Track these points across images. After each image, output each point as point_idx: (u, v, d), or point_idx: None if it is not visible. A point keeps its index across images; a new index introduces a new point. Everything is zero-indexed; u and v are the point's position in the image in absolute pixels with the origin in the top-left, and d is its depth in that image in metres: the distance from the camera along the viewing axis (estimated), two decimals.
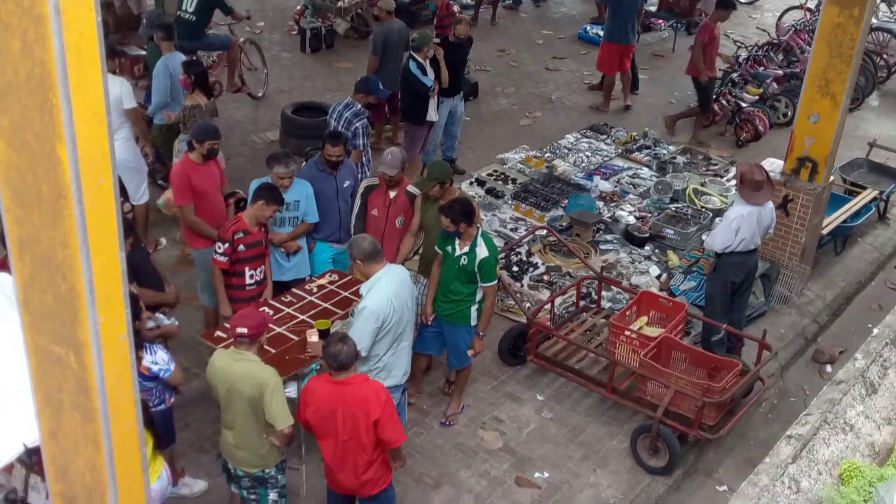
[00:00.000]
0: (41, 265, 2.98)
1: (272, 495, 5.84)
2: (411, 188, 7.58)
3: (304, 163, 9.01)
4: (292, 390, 6.22)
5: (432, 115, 10.23)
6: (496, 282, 6.98)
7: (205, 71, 9.21)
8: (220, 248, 6.80)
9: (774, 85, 13.07)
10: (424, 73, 9.99)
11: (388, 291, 6.08)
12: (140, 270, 6.42)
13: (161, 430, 5.77)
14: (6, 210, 2.96)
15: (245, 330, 5.45)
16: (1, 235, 5.87)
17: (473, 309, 6.98)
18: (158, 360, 5.74)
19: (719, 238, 7.75)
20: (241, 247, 6.81)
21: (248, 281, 6.97)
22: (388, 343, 6.18)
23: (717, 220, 9.80)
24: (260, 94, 12.65)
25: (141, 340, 5.69)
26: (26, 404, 3.53)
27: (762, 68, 13.28)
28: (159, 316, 6.41)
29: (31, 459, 5.18)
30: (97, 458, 3.23)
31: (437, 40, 10.58)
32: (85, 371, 3.06)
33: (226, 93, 11.98)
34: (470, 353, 7.09)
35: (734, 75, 12.98)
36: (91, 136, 2.76)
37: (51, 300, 3.01)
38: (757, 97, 12.64)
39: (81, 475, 3.35)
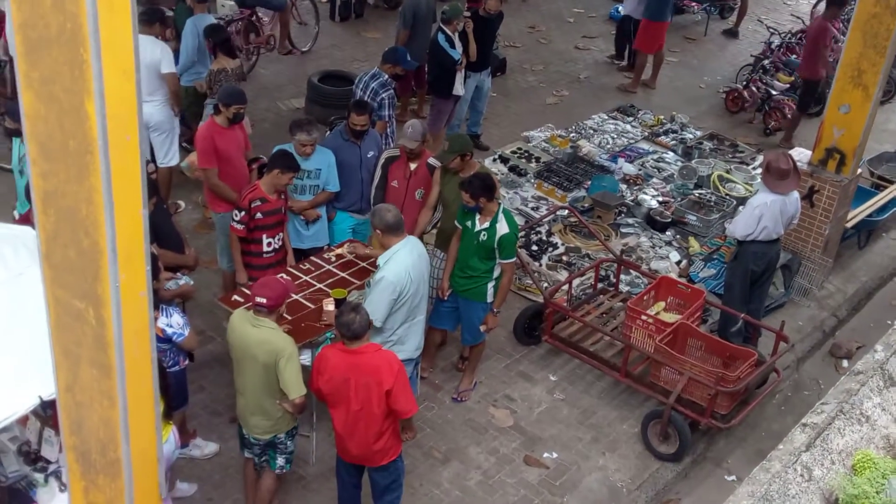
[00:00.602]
0: (65, 220, 2.99)
1: (280, 460, 5.89)
2: (432, 161, 7.55)
3: (328, 131, 8.99)
4: (307, 358, 6.24)
5: (458, 88, 10.19)
6: (515, 259, 6.96)
7: (228, 36, 9.22)
8: (236, 215, 6.81)
9: None
10: (452, 46, 9.94)
11: (407, 263, 6.09)
12: (161, 231, 6.44)
13: (174, 391, 5.80)
14: (33, 163, 2.97)
15: (264, 300, 5.45)
16: (26, 190, 5.93)
17: (490, 285, 6.96)
18: (173, 323, 5.76)
19: (741, 225, 7.70)
20: (259, 214, 6.81)
21: (265, 248, 6.97)
22: (403, 315, 6.18)
23: (740, 208, 9.72)
24: (305, 49, 12.96)
25: (158, 301, 5.71)
26: (44, 358, 3.56)
27: (794, 56, 13.12)
28: (179, 276, 6.44)
29: (46, 413, 5.22)
30: (112, 414, 3.26)
31: (468, 14, 10.51)
32: (103, 327, 3.07)
33: (269, 54, 12.41)
34: (483, 328, 7.08)
35: (766, 62, 12.84)
36: (119, 92, 2.76)
37: (73, 255, 3.02)
38: (787, 85, 12.49)
39: (95, 430, 3.38)
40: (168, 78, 8.60)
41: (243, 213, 6.77)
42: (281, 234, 7.09)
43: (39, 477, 5.23)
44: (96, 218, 2.90)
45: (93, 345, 3.16)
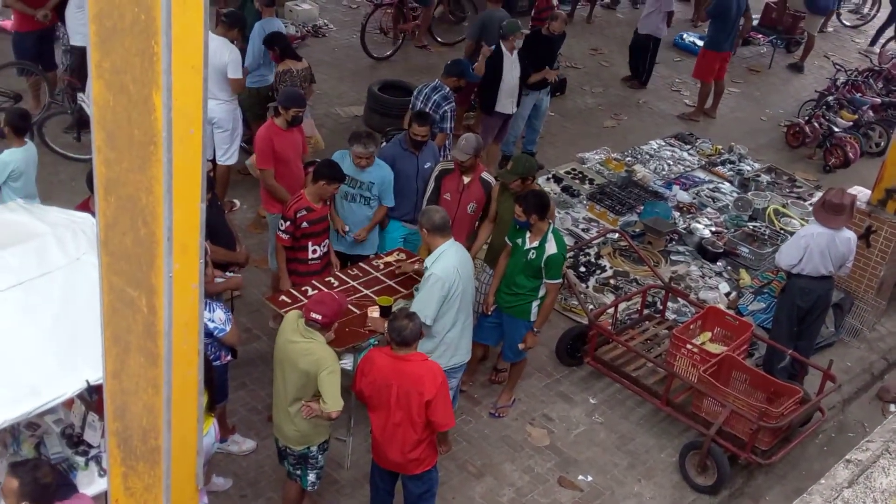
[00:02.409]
0: (124, 208, 3.04)
1: (311, 476, 5.88)
2: (486, 176, 7.57)
3: (383, 141, 9.05)
4: (348, 362, 6.27)
5: (506, 107, 10.08)
6: (560, 280, 6.94)
7: (289, 43, 9.35)
8: (282, 224, 6.87)
9: (870, 113, 12.73)
10: (499, 65, 9.83)
11: (454, 261, 6.19)
12: (214, 228, 6.53)
13: (215, 385, 5.87)
14: (97, 150, 3.03)
15: (319, 317, 5.47)
16: (88, 177, 6.06)
17: (535, 304, 6.95)
18: (216, 318, 5.82)
19: (785, 253, 7.61)
20: (305, 224, 6.86)
21: (310, 255, 7.01)
22: (452, 317, 6.23)
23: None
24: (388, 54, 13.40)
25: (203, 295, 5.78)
26: (94, 342, 3.62)
27: (859, 94, 12.93)
28: (229, 274, 6.51)
29: (92, 398, 5.34)
30: (156, 402, 3.30)
31: (526, 31, 10.50)
32: (154, 316, 3.12)
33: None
34: (522, 347, 7.06)
35: (830, 98, 12.67)
36: (187, 86, 2.80)
37: (130, 243, 3.07)
38: (851, 123, 12.32)
39: (139, 417, 3.42)
40: (232, 83, 8.74)
41: (289, 222, 6.82)
42: (327, 240, 7.13)
43: (80, 460, 5.34)
44: (155, 208, 2.95)
45: (143, 333, 3.21)
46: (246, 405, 7.12)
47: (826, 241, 7.43)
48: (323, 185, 6.81)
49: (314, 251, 7.02)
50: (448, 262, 6.17)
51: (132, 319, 3.22)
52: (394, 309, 6.48)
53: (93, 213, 4.45)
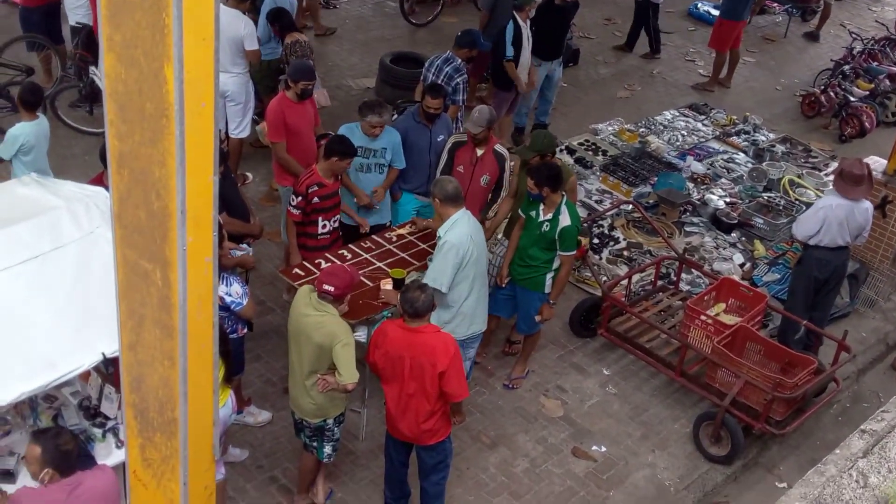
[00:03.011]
0: (137, 181, 3.04)
1: (327, 448, 5.92)
2: (499, 148, 7.54)
3: (394, 114, 9.02)
4: (362, 335, 6.30)
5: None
6: (574, 252, 6.92)
7: (291, 19, 9.33)
8: (293, 200, 6.86)
9: (887, 82, 12.59)
10: (518, 39, 9.78)
11: (467, 230, 6.21)
12: (229, 200, 6.55)
13: (231, 357, 5.90)
14: (110, 124, 3.03)
15: (332, 288, 5.47)
16: (101, 151, 6.07)
17: (549, 276, 6.95)
18: (232, 292, 5.85)
19: (803, 225, 7.56)
20: (316, 199, 6.86)
21: (320, 230, 7.01)
22: (468, 286, 6.25)
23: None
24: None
25: (220, 269, 5.80)
26: (109, 315, 3.65)
27: (876, 63, 12.80)
28: (244, 246, 6.53)
29: (108, 370, 5.37)
30: (171, 374, 3.32)
31: (539, 1, 10.42)
32: (169, 288, 3.13)
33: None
34: (538, 319, 7.07)
35: (846, 67, 12.54)
36: (198, 59, 2.79)
37: (143, 216, 3.08)
38: (867, 92, 12.20)
39: (155, 389, 3.45)
40: (250, 54, 8.73)
41: (300, 198, 6.81)
42: (337, 216, 7.12)
43: (98, 432, 5.39)
44: (168, 181, 2.95)
45: (157, 305, 3.22)
46: (261, 377, 7.17)
47: (845, 212, 7.39)
48: (335, 161, 6.79)
49: (324, 226, 7.02)
50: (461, 230, 6.18)
51: (147, 292, 3.23)
52: (407, 281, 6.49)
53: (106, 188, 4.47)
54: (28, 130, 7.20)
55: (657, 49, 13.65)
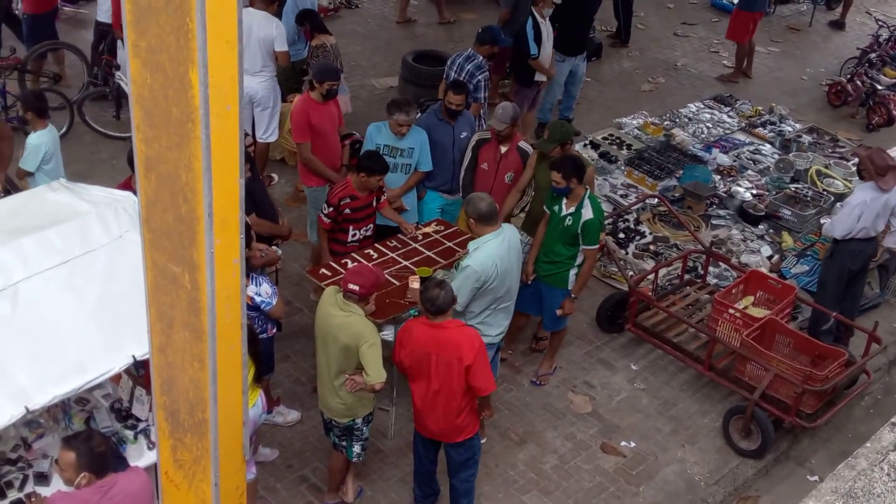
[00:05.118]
0: (165, 185, 3.07)
1: (356, 447, 5.94)
2: (523, 144, 7.53)
3: (418, 112, 9.02)
4: (389, 333, 6.31)
5: (540, 75, 10.01)
6: (597, 246, 6.89)
7: (320, 19, 9.35)
8: (325, 209, 6.89)
9: None
10: (538, 36, 9.75)
11: (494, 254, 6.05)
12: (257, 201, 6.59)
13: (262, 358, 5.94)
14: (136, 129, 3.06)
15: (357, 288, 5.48)
16: (129, 156, 6.12)
17: (573, 272, 6.92)
18: (262, 292, 5.88)
19: (839, 225, 7.48)
20: (347, 210, 6.88)
21: (350, 238, 7.02)
22: (484, 304, 6.18)
23: (837, 204, 9.44)
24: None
25: (249, 270, 5.84)
26: (139, 318, 3.68)
27: None
28: (273, 248, 6.56)
29: (139, 372, 5.43)
30: (201, 376, 3.35)
31: None
32: (198, 291, 3.15)
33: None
34: (559, 313, 7.03)
35: (872, 55, 12.41)
36: (222, 62, 2.82)
37: (171, 220, 3.11)
38: (894, 80, 12.06)
39: (185, 391, 3.48)
40: (280, 55, 8.75)
41: (332, 209, 6.83)
42: (370, 225, 7.12)
43: (129, 434, 5.44)
44: (194, 185, 2.98)
45: (186, 308, 3.25)
46: (290, 377, 7.21)
47: (881, 204, 7.35)
48: (365, 178, 6.78)
49: (353, 234, 7.03)
50: (487, 256, 6.03)
51: (175, 295, 3.26)
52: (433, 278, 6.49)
53: (134, 192, 4.51)
54: (46, 138, 7.11)
55: (626, 38, 13.48)
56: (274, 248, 6.58)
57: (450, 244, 7.22)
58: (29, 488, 5.11)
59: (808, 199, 9.81)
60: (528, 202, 7.61)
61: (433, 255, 7.09)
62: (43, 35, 10.03)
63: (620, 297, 8.00)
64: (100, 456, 4.42)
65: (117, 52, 9.80)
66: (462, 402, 5.56)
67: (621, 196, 9.71)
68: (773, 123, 11.52)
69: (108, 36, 9.98)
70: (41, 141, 7.10)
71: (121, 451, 5.29)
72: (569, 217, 6.72)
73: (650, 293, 8.00)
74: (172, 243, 3.16)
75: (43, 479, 5.15)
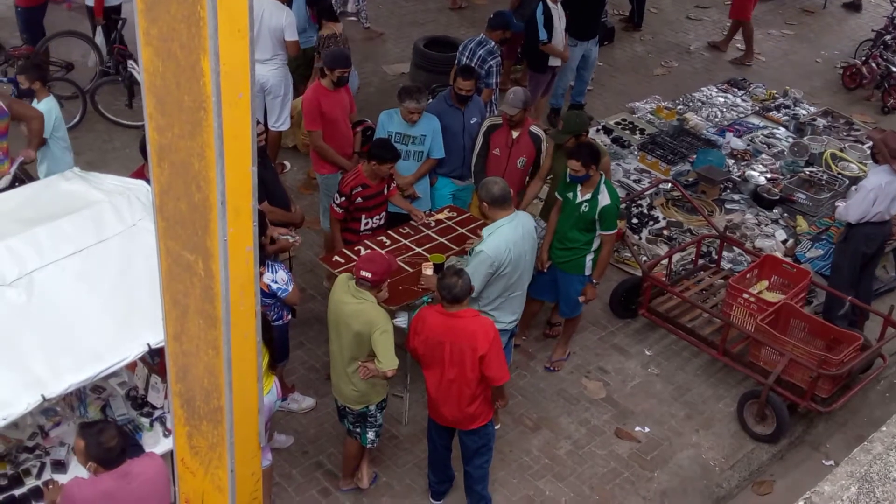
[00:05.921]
0: (178, 174, 3.08)
1: (370, 434, 5.96)
2: (535, 129, 7.51)
3: (429, 98, 9.01)
4: (403, 320, 6.32)
5: (553, 60, 9.96)
6: (615, 231, 6.88)
7: (330, 5, 9.33)
8: (337, 199, 6.88)
9: None
10: (549, 21, 9.69)
11: (508, 239, 6.05)
12: (270, 189, 6.59)
13: (276, 344, 5.96)
14: (149, 117, 3.07)
15: (369, 275, 5.49)
16: (141, 145, 6.14)
17: (588, 258, 6.90)
18: (278, 279, 5.89)
19: (854, 209, 7.43)
20: (359, 199, 6.87)
21: (362, 227, 7.02)
22: (499, 290, 6.18)
23: (852, 188, 9.37)
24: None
25: (264, 257, 5.85)
26: (154, 306, 3.70)
27: None
28: (289, 236, 6.57)
29: (154, 361, 5.46)
30: (216, 363, 3.36)
31: None
32: (211, 279, 3.17)
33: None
34: (581, 299, 7.03)
35: (887, 37, 12.29)
36: (233, 50, 2.82)
37: (184, 208, 3.12)
38: None
39: (200, 378, 3.50)
40: (290, 45, 8.74)
41: (344, 198, 6.83)
42: (382, 213, 7.11)
43: (145, 421, 5.47)
44: (207, 173, 2.99)
45: (201, 296, 3.27)
46: (304, 364, 7.23)
47: (895, 188, 7.30)
48: (374, 165, 6.77)
49: (366, 223, 7.03)
50: (501, 241, 6.02)
51: (190, 283, 3.28)
52: (446, 266, 6.49)
53: (147, 181, 4.53)
54: (53, 104, 7.31)
55: (639, 22, 13.42)
56: (289, 236, 6.58)
57: (462, 230, 7.21)
58: (46, 476, 5.15)
59: (823, 182, 9.75)
60: (538, 191, 7.59)
61: (446, 242, 7.08)
62: (37, 27, 10.06)
63: (634, 282, 7.98)
64: (107, 451, 4.38)
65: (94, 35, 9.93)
66: (476, 391, 5.56)
67: (634, 181, 9.67)
68: (787, 107, 11.44)
69: (119, 24, 10.00)
70: (49, 106, 7.27)
71: (137, 439, 5.33)
72: (585, 203, 6.70)
73: (664, 278, 7.98)
74: (186, 231, 3.18)
75: (60, 466, 5.19)
